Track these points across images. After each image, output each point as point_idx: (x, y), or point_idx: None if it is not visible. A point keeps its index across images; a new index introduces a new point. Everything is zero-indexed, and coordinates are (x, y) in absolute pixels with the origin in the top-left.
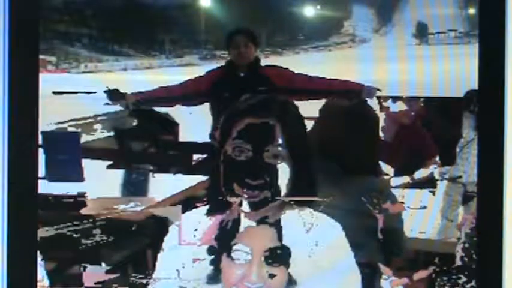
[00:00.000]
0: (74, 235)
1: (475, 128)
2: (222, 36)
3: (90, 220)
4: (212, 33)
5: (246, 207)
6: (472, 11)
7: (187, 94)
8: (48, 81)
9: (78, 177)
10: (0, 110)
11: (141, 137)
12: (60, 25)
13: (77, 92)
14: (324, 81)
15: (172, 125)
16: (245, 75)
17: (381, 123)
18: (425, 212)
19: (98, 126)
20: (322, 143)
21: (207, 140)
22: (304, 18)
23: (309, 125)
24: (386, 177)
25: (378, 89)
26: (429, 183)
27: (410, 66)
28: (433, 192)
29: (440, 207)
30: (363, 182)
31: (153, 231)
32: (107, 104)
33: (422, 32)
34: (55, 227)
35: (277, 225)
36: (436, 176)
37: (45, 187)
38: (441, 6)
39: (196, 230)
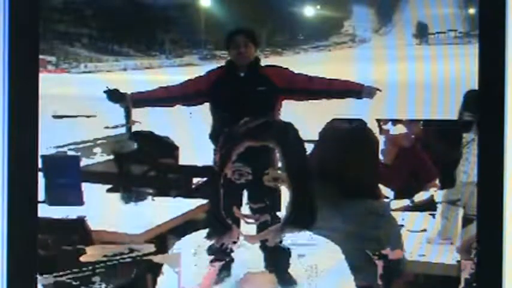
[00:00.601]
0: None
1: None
2: (222, 36)
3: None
4: (212, 33)
5: (246, 230)
6: (472, 11)
7: (187, 94)
8: (48, 81)
9: (78, 201)
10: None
11: (140, 160)
12: (60, 25)
13: (76, 116)
14: (324, 81)
15: (172, 149)
16: (245, 75)
17: (381, 146)
18: (425, 234)
19: (97, 149)
20: (322, 166)
21: (207, 163)
22: (304, 18)
23: (309, 148)
24: (386, 200)
25: (378, 89)
26: (429, 206)
27: (410, 66)
28: (433, 215)
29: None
30: (363, 205)
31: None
32: (107, 127)
33: (422, 32)
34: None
35: (284, 252)
36: (436, 199)
37: (45, 211)
38: (441, 6)
39: (195, 253)
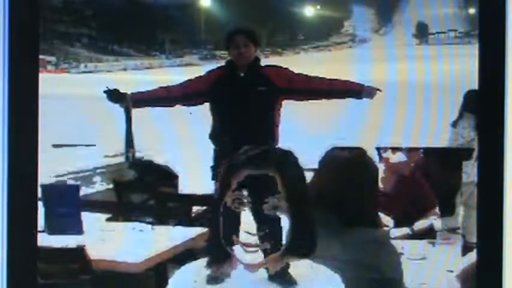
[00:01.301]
0: None
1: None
2: (222, 36)
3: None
4: (212, 33)
5: (246, 258)
6: (472, 11)
7: (187, 94)
8: (48, 81)
9: (78, 229)
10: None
11: (140, 189)
12: (60, 25)
13: (76, 145)
14: (324, 81)
15: (171, 177)
16: (245, 75)
17: (381, 174)
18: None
19: (97, 178)
20: (322, 194)
21: (207, 191)
22: (304, 18)
23: (309, 176)
24: (386, 228)
25: (378, 89)
26: (429, 234)
27: (410, 66)
28: (433, 243)
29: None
30: (363, 234)
31: None
32: (107, 156)
33: (422, 32)
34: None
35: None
36: (436, 227)
37: (44, 240)
38: (441, 6)
39: (195, 281)
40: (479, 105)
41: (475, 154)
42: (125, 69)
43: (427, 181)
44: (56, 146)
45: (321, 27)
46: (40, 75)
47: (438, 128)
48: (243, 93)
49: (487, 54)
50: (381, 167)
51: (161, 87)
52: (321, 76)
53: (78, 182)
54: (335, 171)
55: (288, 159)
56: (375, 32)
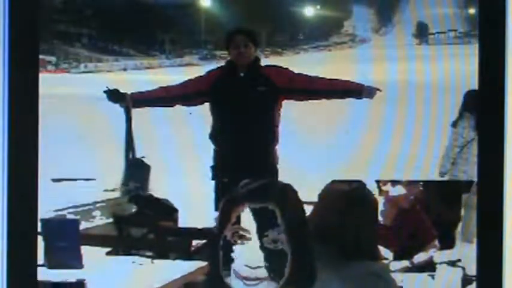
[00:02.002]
0: None
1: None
2: (222, 36)
3: None
4: (212, 33)
5: None
6: (472, 11)
7: (187, 94)
8: (48, 81)
9: (78, 264)
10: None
11: (140, 223)
12: (60, 25)
13: (76, 179)
14: (324, 81)
15: (171, 211)
16: (245, 75)
17: (380, 207)
18: None
19: (97, 212)
20: (321, 227)
21: (207, 225)
22: (304, 18)
23: (308, 209)
24: (385, 261)
25: (378, 89)
26: (428, 267)
27: (410, 66)
28: (432, 276)
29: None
30: (362, 267)
31: None
32: (106, 190)
33: (422, 32)
34: None
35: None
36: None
37: (44, 274)
38: (441, 6)
39: None
40: (479, 105)
41: (474, 187)
42: (125, 69)
43: (427, 214)
44: (55, 180)
45: (321, 27)
46: (40, 75)
47: (438, 128)
48: (243, 93)
49: (487, 54)
50: (381, 200)
51: (161, 87)
52: (321, 76)
53: (78, 216)
54: (334, 204)
55: (287, 193)
56: (375, 32)
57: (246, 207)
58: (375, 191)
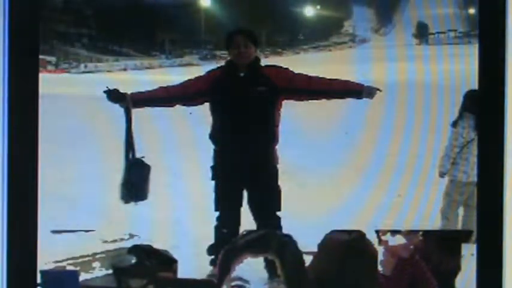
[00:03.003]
0: None
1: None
2: (222, 36)
3: None
4: (212, 33)
5: None
6: (472, 11)
7: (188, 94)
8: (48, 81)
9: None
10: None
11: (139, 274)
12: (60, 25)
13: (75, 231)
14: (324, 81)
15: (171, 262)
16: (245, 75)
17: (380, 257)
18: None
19: (96, 264)
20: (321, 277)
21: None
22: (304, 18)
23: (308, 259)
24: None
25: (378, 89)
26: None
27: (410, 66)
28: None
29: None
30: None
31: None
32: (105, 241)
33: (422, 32)
34: None
35: None
36: None
37: None
38: (441, 6)
39: None
40: (479, 105)
41: (474, 236)
42: (125, 69)
43: (427, 263)
44: (54, 232)
45: (321, 27)
46: (40, 75)
47: (438, 128)
48: (243, 93)
49: (487, 54)
50: (380, 250)
51: (161, 87)
52: (321, 76)
53: (78, 268)
54: (334, 254)
55: (287, 243)
56: (375, 32)
57: (246, 257)
58: (375, 241)
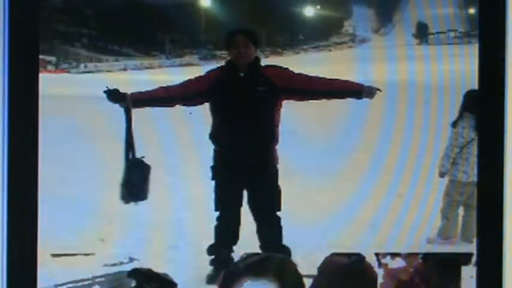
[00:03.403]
0: None
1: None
2: (222, 36)
3: None
4: (212, 33)
5: None
6: (472, 11)
7: (188, 94)
8: (48, 81)
9: None
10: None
11: None
12: (60, 25)
13: (75, 254)
14: (325, 81)
15: (170, 285)
16: (245, 75)
17: (379, 280)
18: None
19: (96, 287)
20: None
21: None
22: (304, 18)
23: (308, 282)
24: None
25: (378, 89)
26: None
27: (410, 66)
28: None
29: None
30: None
31: None
32: (106, 265)
33: (422, 32)
34: None
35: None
36: None
37: None
38: (441, 6)
39: None
40: (479, 105)
41: (473, 259)
42: (125, 69)
43: (426, 286)
44: (54, 255)
45: (321, 27)
46: (40, 75)
47: (438, 128)
48: (243, 93)
49: (487, 54)
50: (380, 273)
51: (161, 87)
52: (321, 76)
53: None
54: (334, 277)
55: (286, 266)
56: (375, 32)
57: (246, 280)
58: (374, 264)
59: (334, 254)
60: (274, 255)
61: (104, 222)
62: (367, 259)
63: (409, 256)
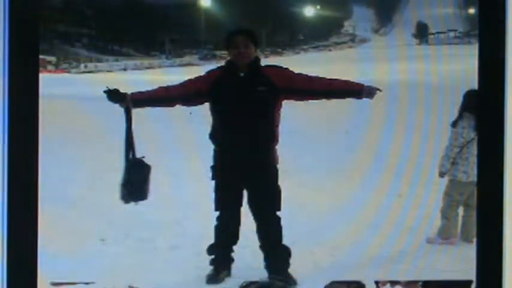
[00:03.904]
0: None
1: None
2: (222, 36)
3: None
4: (212, 33)
5: None
6: (472, 11)
7: (188, 94)
8: (48, 81)
9: None
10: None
11: None
12: (60, 25)
13: (75, 283)
14: (324, 81)
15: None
16: (245, 75)
17: None
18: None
19: None
20: None
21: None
22: (304, 18)
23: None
24: None
25: (378, 89)
26: None
27: (410, 66)
28: None
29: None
30: None
31: None
32: None
33: (422, 32)
34: None
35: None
36: None
37: None
38: (441, 6)
39: None
40: (479, 105)
41: (473, 285)
42: (125, 69)
43: None
44: (54, 284)
45: (321, 27)
46: (40, 75)
47: (438, 128)
48: (243, 93)
49: (487, 54)
50: None
51: (161, 87)
52: (321, 76)
53: None
54: None
55: None
56: (375, 32)
57: None
58: None
59: (334, 283)
60: (275, 283)
61: (104, 222)
62: (367, 287)
63: (408, 284)
